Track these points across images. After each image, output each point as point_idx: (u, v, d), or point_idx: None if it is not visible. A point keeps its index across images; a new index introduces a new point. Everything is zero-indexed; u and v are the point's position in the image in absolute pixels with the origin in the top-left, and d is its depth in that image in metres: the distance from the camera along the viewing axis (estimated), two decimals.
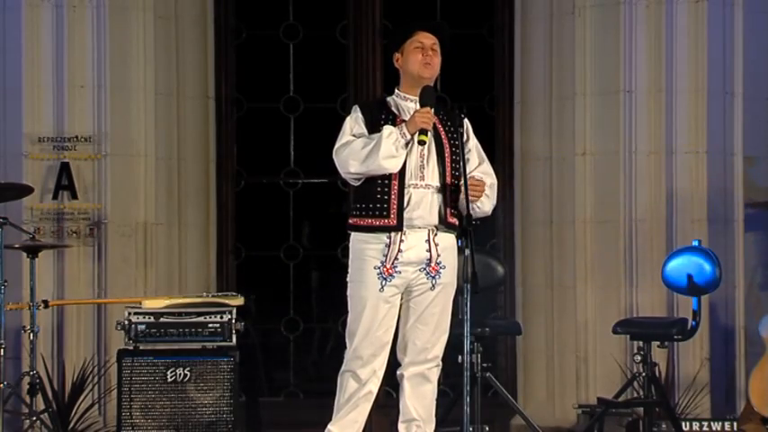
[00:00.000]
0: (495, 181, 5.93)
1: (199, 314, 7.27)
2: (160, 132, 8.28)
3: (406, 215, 5.71)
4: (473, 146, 5.94)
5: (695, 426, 7.61)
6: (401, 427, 5.86)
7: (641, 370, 7.39)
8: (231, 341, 7.25)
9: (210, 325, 7.26)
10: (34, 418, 7.04)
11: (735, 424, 7.65)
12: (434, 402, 5.89)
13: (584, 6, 8.28)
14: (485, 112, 8.62)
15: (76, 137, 8.05)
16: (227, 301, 7.36)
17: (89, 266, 8.05)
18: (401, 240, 5.72)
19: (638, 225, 8.18)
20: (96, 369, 7.91)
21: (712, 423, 7.63)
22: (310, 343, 8.69)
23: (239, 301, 7.39)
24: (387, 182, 5.71)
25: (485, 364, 7.25)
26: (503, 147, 8.60)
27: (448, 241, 5.78)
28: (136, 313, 7.27)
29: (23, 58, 8.04)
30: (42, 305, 7.21)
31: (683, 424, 7.53)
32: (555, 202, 8.43)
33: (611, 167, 8.23)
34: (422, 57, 5.81)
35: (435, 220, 5.74)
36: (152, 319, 7.25)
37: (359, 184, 5.78)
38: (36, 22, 8.04)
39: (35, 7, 8.03)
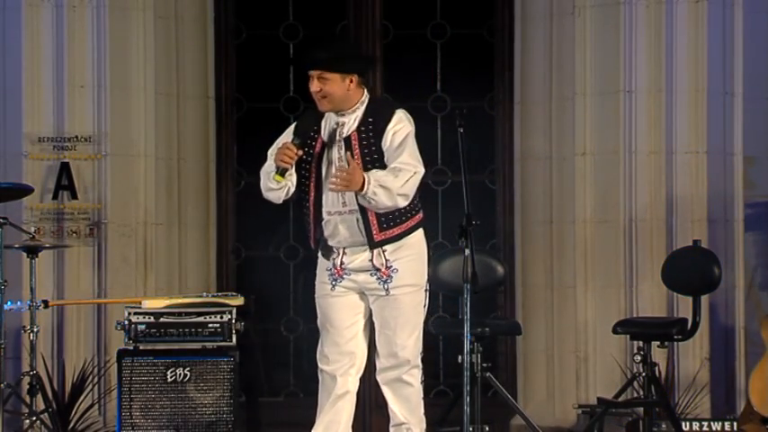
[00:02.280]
0: (413, 170, 5.62)
1: (199, 314, 7.27)
2: (160, 132, 8.28)
3: (335, 242, 5.71)
4: (389, 137, 5.66)
5: (695, 426, 7.61)
6: (392, 430, 5.85)
7: (641, 370, 7.39)
8: (231, 341, 7.25)
9: (210, 325, 7.27)
10: (34, 418, 7.04)
11: (735, 424, 7.65)
12: (421, 403, 5.84)
13: (584, 6, 8.28)
14: (485, 112, 8.62)
15: (76, 137, 8.06)
16: (227, 301, 7.36)
17: (89, 266, 8.05)
18: (343, 254, 5.74)
19: (638, 225, 8.18)
20: (96, 369, 7.91)
21: (712, 423, 7.63)
22: (310, 343, 8.68)
23: (239, 301, 7.40)
24: (307, 208, 5.76)
25: (485, 364, 7.25)
26: (503, 147, 8.59)
27: (402, 244, 5.72)
28: (136, 313, 7.27)
29: (23, 58, 8.04)
30: (42, 305, 7.22)
31: (683, 424, 7.53)
32: (555, 202, 8.42)
33: (611, 167, 8.22)
34: (312, 93, 5.73)
35: (365, 241, 5.67)
36: (152, 319, 7.25)
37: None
38: (36, 22, 8.04)
39: (35, 7, 8.03)
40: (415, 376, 5.79)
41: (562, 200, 8.38)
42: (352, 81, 5.72)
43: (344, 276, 5.76)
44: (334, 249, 5.76)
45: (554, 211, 8.42)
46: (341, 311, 5.80)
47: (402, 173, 5.62)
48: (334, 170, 5.66)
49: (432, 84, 8.68)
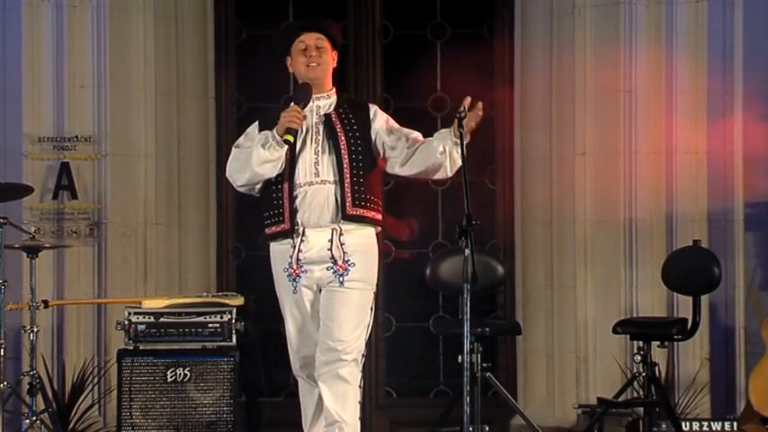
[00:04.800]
0: None
1: (199, 314, 7.28)
2: (160, 132, 8.28)
3: (301, 215, 5.68)
4: (380, 126, 5.83)
5: (695, 426, 7.61)
6: (324, 431, 5.75)
7: (641, 370, 7.39)
8: (231, 341, 7.26)
9: (210, 325, 7.27)
10: (34, 418, 7.04)
11: (735, 424, 7.65)
12: (357, 405, 5.72)
13: (584, 6, 8.28)
14: (485, 112, 8.59)
15: (76, 137, 8.06)
16: (227, 301, 7.37)
17: (89, 266, 8.05)
18: (302, 241, 5.68)
19: (638, 225, 8.18)
20: (96, 369, 7.91)
21: (712, 423, 7.63)
22: None
23: (239, 301, 7.40)
24: (279, 186, 5.73)
25: (485, 364, 7.25)
26: (503, 147, 8.60)
27: (360, 239, 5.71)
28: (136, 313, 7.28)
29: (23, 58, 8.04)
30: (42, 305, 7.22)
31: (683, 424, 7.53)
32: (555, 202, 8.43)
33: (611, 167, 8.22)
34: (305, 58, 5.81)
35: (335, 216, 5.67)
36: (152, 319, 7.26)
37: (259, 194, 5.82)
38: (36, 22, 8.04)
39: (35, 7, 8.04)
40: (353, 374, 5.67)
41: (562, 200, 8.39)
42: (334, 60, 5.89)
43: (301, 274, 5.71)
44: (296, 230, 5.68)
45: (554, 211, 8.43)
46: (308, 314, 5.77)
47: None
48: (310, 145, 5.72)
49: (432, 84, 8.68)
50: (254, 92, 8.66)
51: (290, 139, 5.65)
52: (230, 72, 8.64)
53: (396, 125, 5.89)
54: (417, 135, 5.85)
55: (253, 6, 8.71)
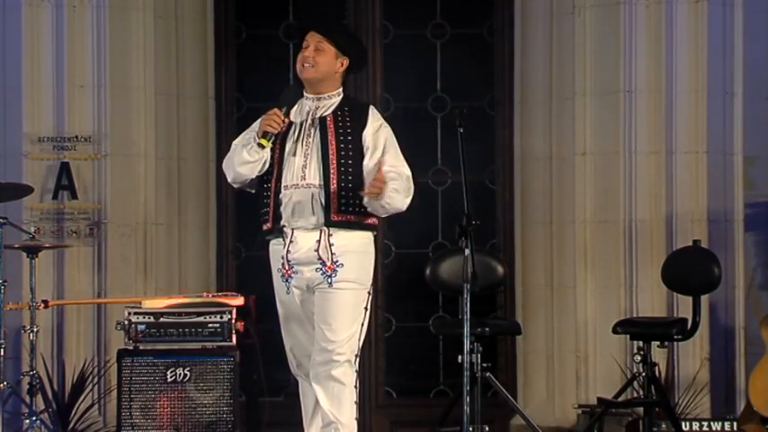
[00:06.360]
0: (407, 172, 5.76)
1: (199, 314, 7.28)
2: (160, 132, 8.28)
3: (287, 217, 5.69)
4: (369, 135, 5.77)
5: (695, 426, 7.62)
6: None
7: (641, 370, 7.39)
8: (231, 341, 7.26)
9: (210, 325, 7.27)
10: (34, 418, 7.04)
11: (735, 424, 7.65)
12: (353, 406, 5.70)
13: (584, 6, 8.28)
14: (485, 112, 8.62)
15: (76, 137, 8.06)
16: (227, 301, 7.37)
17: (89, 266, 8.05)
18: (290, 242, 5.70)
19: (638, 225, 8.18)
20: (96, 369, 7.91)
21: (712, 423, 7.63)
22: None
23: (239, 301, 7.40)
24: (268, 185, 5.74)
25: (485, 364, 7.25)
26: (503, 147, 8.60)
27: (350, 240, 5.70)
28: (136, 313, 7.28)
29: (23, 58, 8.04)
30: (42, 305, 7.22)
31: (683, 424, 7.53)
32: (555, 202, 8.43)
33: (611, 167, 8.23)
34: (300, 57, 5.79)
35: (320, 220, 5.67)
36: (152, 319, 7.26)
37: (254, 189, 5.84)
38: (36, 21, 8.04)
39: (35, 7, 8.04)
40: (347, 375, 5.66)
41: (562, 200, 8.39)
42: (342, 65, 5.81)
43: (293, 275, 5.72)
44: (284, 231, 5.70)
45: (554, 211, 8.43)
46: (300, 314, 5.78)
47: (400, 177, 5.71)
48: (300, 147, 5.69)
49: (432, 84, 8.68)
50: (254, 92, 8.66)
51: (265, 143, 5.64)
52: (230, 72, 8.64)
53: (380, 143, 5.75)
54: (389, 170, 5.72)
55: (253, 6, 8.71)
